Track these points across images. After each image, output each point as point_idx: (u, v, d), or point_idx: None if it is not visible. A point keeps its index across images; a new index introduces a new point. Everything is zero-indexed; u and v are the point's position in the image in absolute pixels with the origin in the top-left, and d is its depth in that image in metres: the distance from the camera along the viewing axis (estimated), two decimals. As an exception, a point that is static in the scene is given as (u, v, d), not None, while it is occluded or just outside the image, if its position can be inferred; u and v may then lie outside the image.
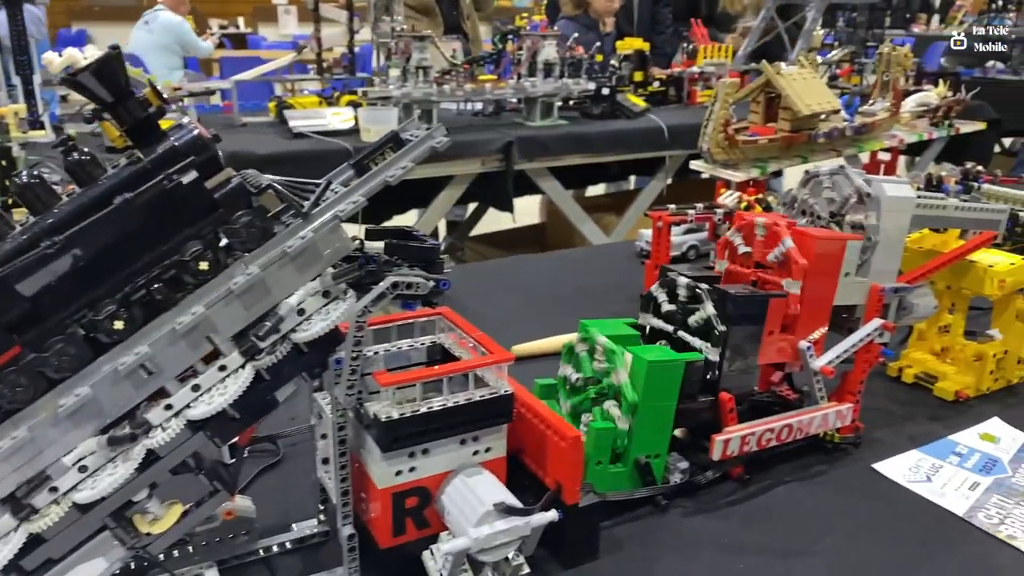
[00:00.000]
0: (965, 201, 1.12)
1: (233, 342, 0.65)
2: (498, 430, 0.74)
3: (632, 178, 4.64)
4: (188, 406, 0.64)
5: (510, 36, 3.40)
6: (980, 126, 1.78)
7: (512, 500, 0.70)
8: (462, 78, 3.28)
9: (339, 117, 3.03)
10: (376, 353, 0.79)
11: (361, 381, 0.70)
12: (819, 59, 4.47)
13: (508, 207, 3.29)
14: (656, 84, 4.04)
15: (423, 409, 0.69)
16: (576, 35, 3.82)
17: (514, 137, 3.16)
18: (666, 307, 0.91)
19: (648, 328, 0.93)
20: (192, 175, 0.61)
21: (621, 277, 1.56)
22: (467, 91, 3.24)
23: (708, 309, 0.86)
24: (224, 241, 0.64)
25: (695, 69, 4.05)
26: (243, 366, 0.65)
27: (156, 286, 0.62)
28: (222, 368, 0.65)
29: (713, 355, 0.85)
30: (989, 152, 4.42)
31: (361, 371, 0.70)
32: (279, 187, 0.65)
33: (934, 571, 0.77)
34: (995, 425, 1.01)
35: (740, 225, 0.95)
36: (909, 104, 1.72)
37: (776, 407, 0.98)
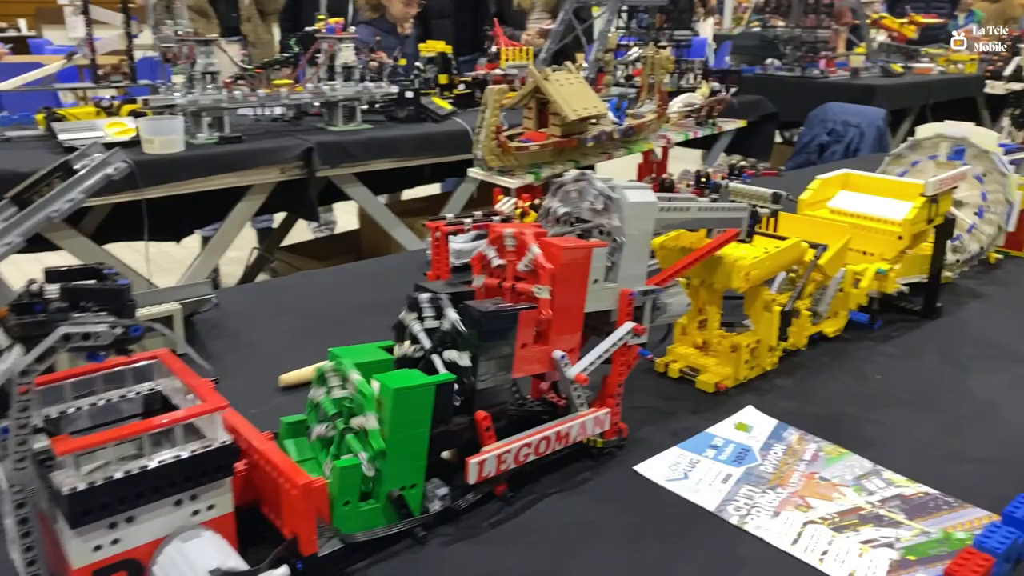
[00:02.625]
0: (713, 200, 1.17)
1: None
2: (220, 485, 0.67)
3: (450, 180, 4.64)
4: None
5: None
6: (740, 124, 1.90)
7: (235, 562, 0.63)
8: (256, 82, 3.14)
9: (116, 129, 2.79)
10: (79, 409, 0.69)
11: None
12: (616, 59, 4.67)
13: (312, 216, 3.18)
14: (462, 87, 4.04)
15: (118, 474, 0.60)
16: (377, 38, 3.76)
17: (315, 143, 3.04)
18: (417, 328, 0.87)
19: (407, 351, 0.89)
20: None
21: (408, 289, 1.51)
22: (261, 96, 3.09)
23: (451, 315, 0.83)
24: None
25: (498, 71, 4.09)
26: None
27: None
28: None
29: (464, 360, 0.83)
30: (770, 142, 4.81)
31: (45, 433, 0.61)
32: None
33: (680, 571, 0.78)
34: (749, 413, 1.06)
35: (492, 238, 0.93)
36: (676, 105, 1.80)
37: (545, 415, 0.97)
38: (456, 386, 0.84)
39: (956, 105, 5.30)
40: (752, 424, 1.04)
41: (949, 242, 1.53)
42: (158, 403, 0.73)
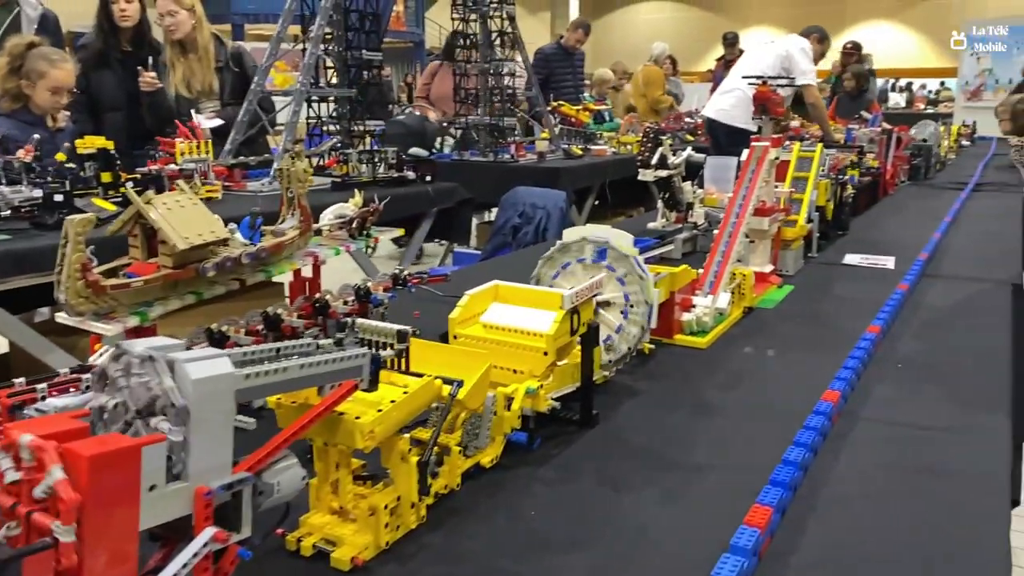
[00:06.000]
0: (338, 342, 1.03)
1: None
2: None
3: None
4: None
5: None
6: (398, 232, 1.82)
7: None
8: None
9: None
10: None
11: None
12: (308, 150, 4.53)
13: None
14: (130, 185, 3.63)
15: None
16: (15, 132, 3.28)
17: (-77, 264, 2.50)
18: None
19: None
20: None
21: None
22: None
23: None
24: None
25: (174, 166, 3.76)
26: None
27: None
28: None
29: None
30: (468, 225, 4.93)
31: None
32: None
33: None
34: (385, 595, 0.92)
35: (4, 444, 0.70)
36: (328, 216, 1.68)
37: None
38: None
39: (629, 181, 5.87)
40: (387, 610, 0.89)
41: (602, 342, 1.54)
42: None
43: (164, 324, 1.70)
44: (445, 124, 6.39)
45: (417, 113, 6.26)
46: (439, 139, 6.19)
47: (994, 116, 6.37)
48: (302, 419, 0.91)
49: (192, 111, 4.02)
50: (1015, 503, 1.97)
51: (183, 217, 1.25)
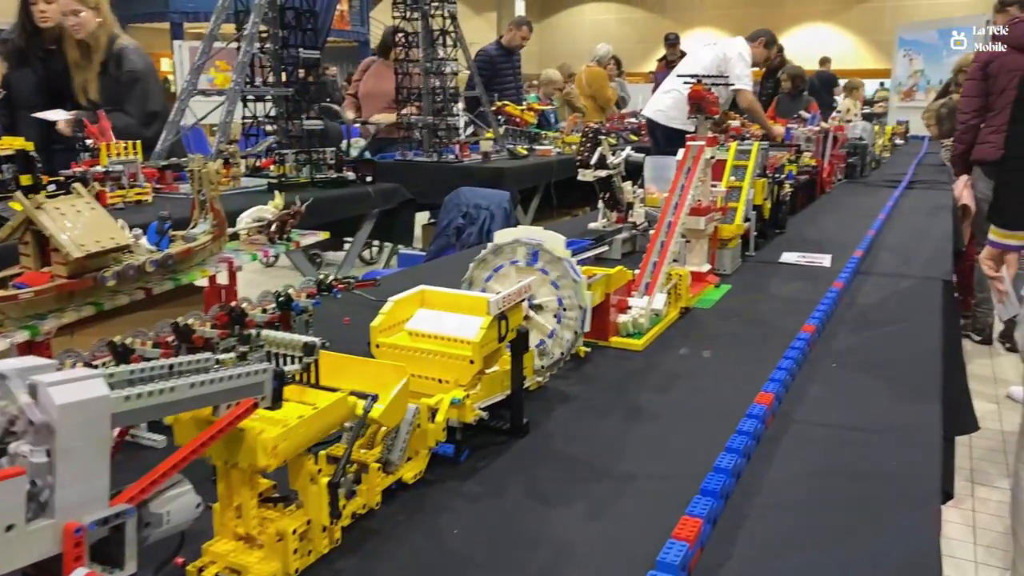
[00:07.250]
0: (242, 357, 0.97)
1: None
2: None
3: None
4: None
5: None
6: (321, 236, 1.74)
7: None
8: None
9: None
10: None
11: None
12: (243, 150, 4.41)
13: None
14: (52, 187, 3.47)
15: None
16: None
17: None
18: None
19: None
20: None
21: None
22: None
23: None
24: None
25: (100, 168, 3.60)
26: None
27: None
28: None
29: None
30: (411, 227, 4.86)
31: None
32: None
33: None
34: (291, 628, 0.85)
35: None
36: (245, 220, 1.59)
37: None
38: None
39: (574, 181, 5.86)
40: (291, 646, 0.83)
41: (535, 347, 1.50)
42: None
43: (81, 336, 1.60)
44: (358, 124, 6.27)
45: (338, 108, 6.13)
46: (345, 142, 6.07)
47: (921, 119, 6.56)
48: (193, 443, 0.84)
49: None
50: (948, 496, 1.99)
51: (79, 223, 1.16)
